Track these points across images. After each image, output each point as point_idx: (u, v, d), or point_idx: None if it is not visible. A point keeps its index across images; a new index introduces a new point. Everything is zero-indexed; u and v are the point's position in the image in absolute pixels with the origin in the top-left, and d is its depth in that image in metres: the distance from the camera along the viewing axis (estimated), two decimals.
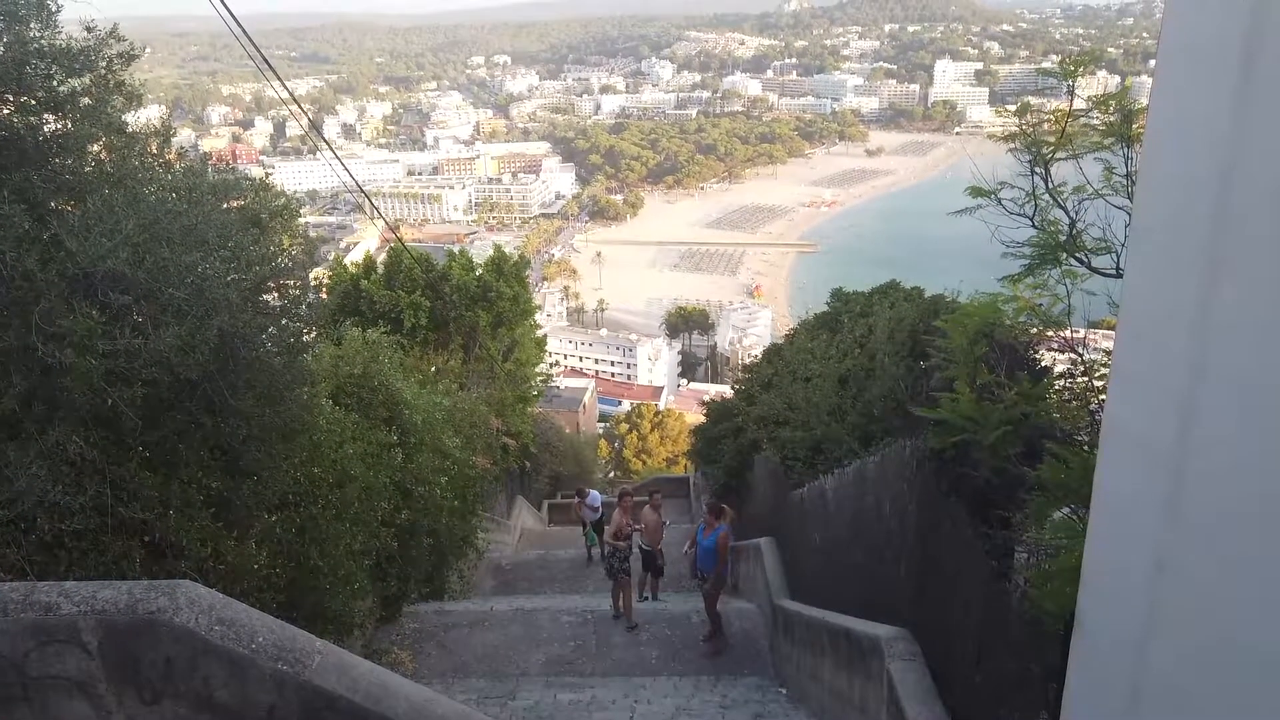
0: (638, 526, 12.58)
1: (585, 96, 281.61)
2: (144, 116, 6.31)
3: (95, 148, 5.65)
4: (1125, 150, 3.99)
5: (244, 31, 7.79)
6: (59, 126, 5.47)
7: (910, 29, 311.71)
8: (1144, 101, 2.53)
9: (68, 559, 4.91)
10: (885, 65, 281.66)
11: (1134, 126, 4.00)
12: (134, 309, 5.10)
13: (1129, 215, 3.20)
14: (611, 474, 49.85)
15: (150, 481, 5.44)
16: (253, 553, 6.10)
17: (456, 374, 18.82)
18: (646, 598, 13.78)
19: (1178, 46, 1.74)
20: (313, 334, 7.56)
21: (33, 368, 4.68)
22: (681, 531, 18.11)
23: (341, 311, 18.08)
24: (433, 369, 17.00)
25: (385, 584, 10.48)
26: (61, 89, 5.43)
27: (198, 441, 5.87)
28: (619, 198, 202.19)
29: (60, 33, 5.44)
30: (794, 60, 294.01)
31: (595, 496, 16.97)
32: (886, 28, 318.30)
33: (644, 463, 52.23)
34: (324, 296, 17.07)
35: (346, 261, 22.13)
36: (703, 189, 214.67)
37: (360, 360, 10.74)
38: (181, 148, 6.61)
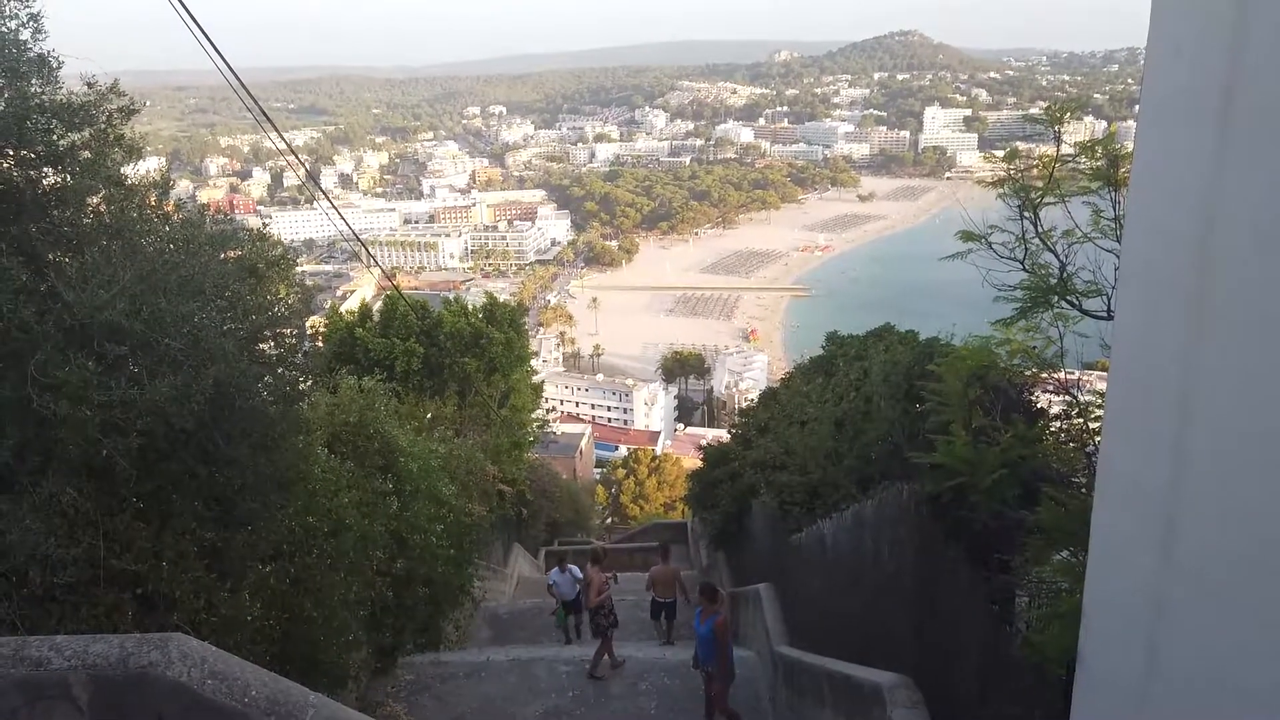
0: (607, 583, 12.37)
1: (580, 145, 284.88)
2: (143, 168, 6.35)
3: (94, 200, 5.69)
4: (1112, 194, 4.05)
5: (242, 84, 7.90)
6: (58, 180, 5.52)
7: (899, 77, 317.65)
8: (1130, 146, 2.57)
9: (59, 612, 4.85)
10: (875, 112, 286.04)
11: (1120, 171, 4.05)
12: (130, 359, 5.10)
13: (1118, 258, 3.24)
14: (609, 519, 49.47)
15: (143, 533, 5.39)
16: (246, 604, 6.02)
17: (452, 420, 18.77)
18: (674, 644, 13.57)
19: (1158, 97, 1.78)
20: (308, 382, 7.55)
21: (28, 419, 4.66)
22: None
23: (337, 359, 18.07)
24: (428, 416, 16.94)
25: (380, 634, 10.34)
26: (61, 143, 5.49)
27: (192, 491, 5.83)
28: (614, 244, 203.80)
29: (61, 88, 5.51)
30: (785, 108, 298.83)
31: (574, 572, 13.86)
32: (876, 76, 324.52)
33: (641, 508, 51.88)
34: (320, 345, 17.09)
35: (343, 310, 22.18)
36: (697, 234, 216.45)
37: (356, 408, 10.72)
38: (179, 199, 6.66)
